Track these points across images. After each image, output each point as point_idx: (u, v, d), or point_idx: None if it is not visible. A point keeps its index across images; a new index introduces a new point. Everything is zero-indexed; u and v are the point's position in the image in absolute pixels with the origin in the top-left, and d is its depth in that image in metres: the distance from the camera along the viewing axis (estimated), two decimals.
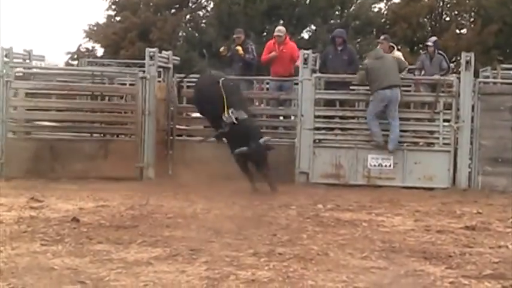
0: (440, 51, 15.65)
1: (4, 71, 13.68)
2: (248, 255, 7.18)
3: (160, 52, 14.51)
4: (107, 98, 14.82)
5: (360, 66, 14.09)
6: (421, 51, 27.02)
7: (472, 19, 32.55)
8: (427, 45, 15.49)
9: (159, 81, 14.54)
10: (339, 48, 14.45)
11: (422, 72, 15.36)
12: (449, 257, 7.31)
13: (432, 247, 7.82)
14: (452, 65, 18.88)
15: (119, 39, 33.54)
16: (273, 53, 14.80)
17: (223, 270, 6.47)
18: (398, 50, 15.75)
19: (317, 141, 13.69)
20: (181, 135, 14.80)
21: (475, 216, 10.12)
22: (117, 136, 14.50)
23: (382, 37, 15.67)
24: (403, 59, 14.52)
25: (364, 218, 9.79)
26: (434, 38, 16.26)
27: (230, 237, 8.09)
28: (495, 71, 16.54)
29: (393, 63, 13.58)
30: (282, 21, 30.23)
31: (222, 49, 15.42)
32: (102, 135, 14.44)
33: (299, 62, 13.91)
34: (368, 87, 13.62)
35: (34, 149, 13.69)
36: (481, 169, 13.30)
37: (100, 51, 35.67)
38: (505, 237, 8.54)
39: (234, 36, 15.37)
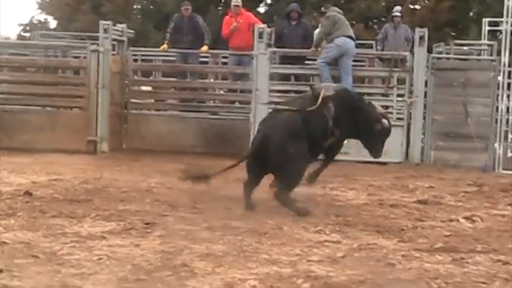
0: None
1: None
2: (203, 229, 7.18)
3: (114, 25, 14.39)
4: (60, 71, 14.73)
5: (327, 15, 13.90)
6: (375, 26, 27.17)
7: None
8: (394, 16, 15.50)
9: (114, 55, 14.42)
10: (294, 23, 14.43)
11: (386, 42, 15.30)
12: (401, 231, 7.38)
13: (385, 221, 7.89)
14: None
15: (72, 11, 33.11)
16: (234, 24, 14.77)
17: (178, 244, 6.47)
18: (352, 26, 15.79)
19: None
20: (136, 109, 14.71)
21: (428, 191, 10.24)
22: (71, 109, 14.40)
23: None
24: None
25: (319, 192, 9.83)
26: (400, 8, 16.23)
27: (185, 211, 8.09)
28: (448, 47, 16.67)
29: None
30: None
31: (163, 47, 15.23)
32: (51, 108, 14.34)
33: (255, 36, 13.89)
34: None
35: None
36: (434, 144, 13.46)
37: (53, 23, 35.24)
38: (456, 211, 8.65)
39: (182, 8, 15.28)
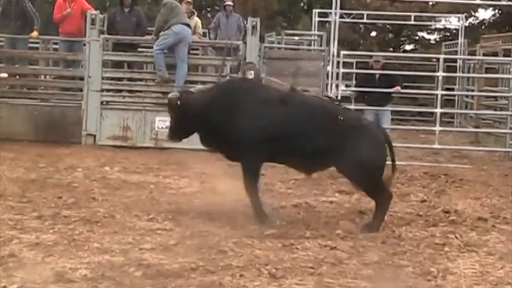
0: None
1: None
2: (32, 219, 7.06)
3: None
4: None
5: (163, 2, 13.83)
6: (208, 15, 27.36)
7: None
8: (227, 5, 15.64)
9: None
10: (127, 10, 14.31)
11: (219, 31, 15.44)
12: (233, 218, 7.48)
13: (217, 209, 7.96)
14: None
15: None
16: (68, 10, 14.49)
17: (6, 234, 6.32)
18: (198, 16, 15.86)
19: (104, 103, 13.56)
20: None
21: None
22: None
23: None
24: (200, 25, 14.86)
25: (151, 180, 9.84)
26: None
27: (13, 200, 7.90)
28: (279, 37, 17.00)
29: None
30: None
31: None
32: None
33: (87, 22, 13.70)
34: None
35: None
36: None
37: None
38: (286, 198, 8.86)
39: None
